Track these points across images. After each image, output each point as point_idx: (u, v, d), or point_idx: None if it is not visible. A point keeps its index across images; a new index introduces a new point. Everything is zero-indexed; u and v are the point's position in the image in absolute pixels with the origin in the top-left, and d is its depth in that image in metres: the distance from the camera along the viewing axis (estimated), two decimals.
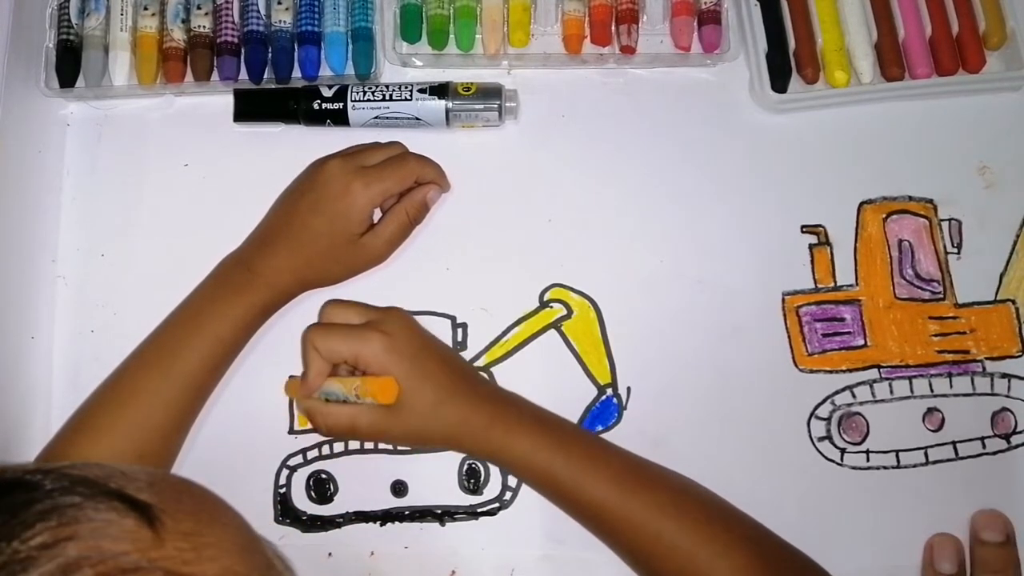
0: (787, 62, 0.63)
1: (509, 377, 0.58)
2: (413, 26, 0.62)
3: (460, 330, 0.59)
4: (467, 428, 0.52)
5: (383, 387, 0.51)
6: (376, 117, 0.60)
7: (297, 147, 0.61)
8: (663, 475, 0.54)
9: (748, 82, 0.64)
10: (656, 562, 0.51)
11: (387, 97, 0.60)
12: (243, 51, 0.62)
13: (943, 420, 0.59)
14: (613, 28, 0.63)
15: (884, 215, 0.62)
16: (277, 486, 0.57)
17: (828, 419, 0.59)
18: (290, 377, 0.55)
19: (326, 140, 0.60)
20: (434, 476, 0.58)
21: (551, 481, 0.52)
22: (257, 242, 0.57)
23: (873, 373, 0.60)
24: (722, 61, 0.63)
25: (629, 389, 0.59)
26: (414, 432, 0.52)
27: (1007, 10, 0.63)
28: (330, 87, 0.60)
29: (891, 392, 0.60)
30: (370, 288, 0.59)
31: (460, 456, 0.57)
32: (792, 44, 0.63)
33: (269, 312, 0.56)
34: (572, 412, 0.58)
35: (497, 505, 0.57)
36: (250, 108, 0.61)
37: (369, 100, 0.60)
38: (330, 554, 0.57)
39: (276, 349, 0.58)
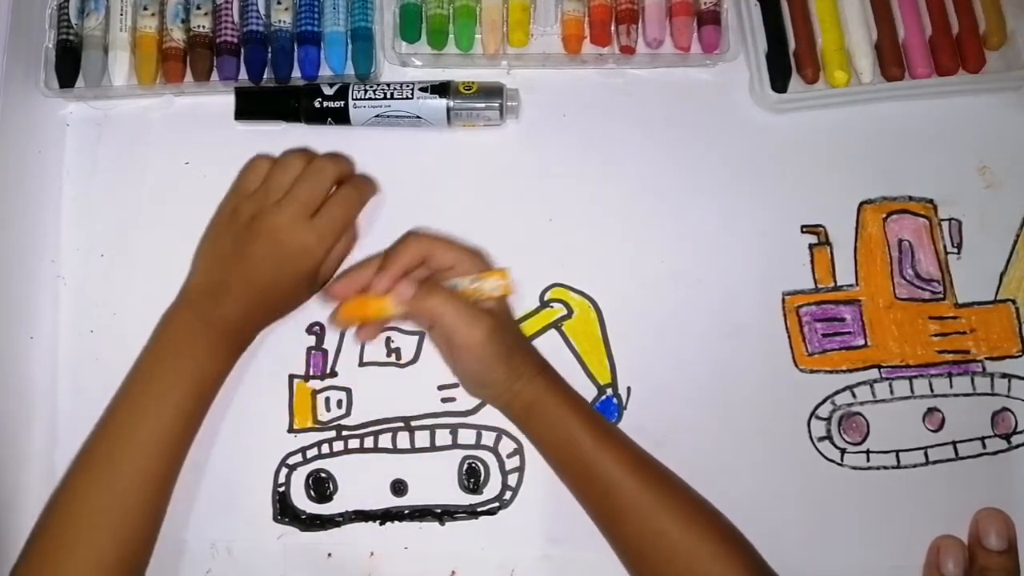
0: (787, 62, 0.63)
1: None
2: (412, 26, 0.63)
3: None
4: (523, 370, 0.54)
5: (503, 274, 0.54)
6: (377, 115, 0.60)
7: (298, 145, 0.60)
8: (677, 479, 0.55)
9: (748, 82, 0.64)
10: (652, 561, 0.52)
11: (388, 95, 0.60)
12: (243, 51, 0.62)
13: (943, 420, 0.60)
14: (613, 28, 0.63)
15: (884, 215, 0.63)
16: (276, 485, 0.58)
17: (828, 419, 0.60)
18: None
19: (327, 138, 0.61)
20: (434, 475, 0.58)
21: (574, 448, 0.53)
22: (210, 291, 0.55)
23: (873, 373, 0.61)
24: (722, 61, 0.64)
25: (629, 389, 0.59)
26: (494, 351, 0.53)
27: (1007, 10, 0.63)
28: (331, 85, 0.61)
29: (891, 392, 0.60)
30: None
31: (460, 455, 0.58)
32: (792, 44, 0.63)
33: (231, 362, 0.55)
34: None
35: (497, 505, 0.58)
36: (251, 106, 0.61)
37: (370, 99, 0.60)
38: (330, 554, 0.57)
39: (276, 348, 0.58)
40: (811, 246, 0.62)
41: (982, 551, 0.56)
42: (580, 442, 0.53)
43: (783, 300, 0.61)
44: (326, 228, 0.55)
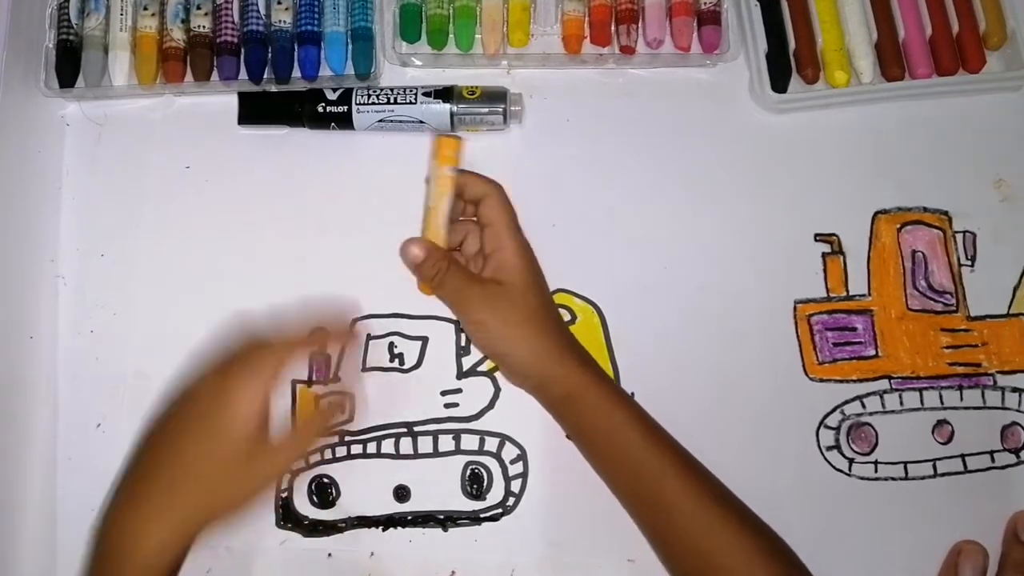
0: (787, 62, 0.71)
1: None
2: (413, 26, 0.71)
3: (463, 335, 0.68)
4: (559, 357, 0.62)
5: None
6: (380, 120, 0.69)
7: (300, 150, 0.70)
8: (729, 491, 0.62)
9: (748, 82, 0.72)
10: (693, 562, 0.60)
11: (392, 100, 0.68)
12: (243, 51, 0.70)
13: (953, 432, 0.68)
14: (613, 28, 0.72)
15: (898, 225, 0.71)
16: (279, 490, 0.66)
17: (837, 428, 0.68)
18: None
19: (330, 143, 0.70)
20: (437, 481, 0.66)
21: (620, 446, 0.61)
22: (128, 497, 0.56)
23: (883, 384, 0.69)
24: (722, 61, 0.72)
25: (632, 394, 0.66)
26: (514, 330, 0.62)
27: (1007, 10, 0.72)
28: (335, 90, 0.69)
29: (901, 403, 0.68)
30: (369, 290, 0.68)
31: (463, 461, 0.66)
32: (792, 44, 0.71)
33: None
34: None
35: (500, 511, 0.65)
36: (254, 111, 0.70)
37: (374, 103, 0.68)
38: (330, 555, 0.65)
39: None
40: (824, 255, 0.70)
41: (1018, 547, 0.64)
42: (628, 441, 0.61)
43: (795, 308, 0.69)
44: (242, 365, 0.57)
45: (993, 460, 0.69)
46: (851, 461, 0.68)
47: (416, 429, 0.68)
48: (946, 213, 0.73)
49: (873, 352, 0.70)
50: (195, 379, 0.58)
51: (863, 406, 0.69)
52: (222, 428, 0.55)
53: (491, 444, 0.68)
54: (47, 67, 0.71)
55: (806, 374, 0.70)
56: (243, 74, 0.72)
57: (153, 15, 0.71)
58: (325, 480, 0.67)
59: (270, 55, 0.72)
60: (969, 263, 0.72)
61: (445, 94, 0.70)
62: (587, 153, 0.72)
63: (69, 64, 0.71)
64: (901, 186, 0.73)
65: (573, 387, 0.62)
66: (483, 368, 0.69)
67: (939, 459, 0.68)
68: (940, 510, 0.68)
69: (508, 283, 0.62)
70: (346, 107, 0.70)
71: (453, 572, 0.66)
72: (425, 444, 0.67)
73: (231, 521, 0.57)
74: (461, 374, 0.69)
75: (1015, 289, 0.72)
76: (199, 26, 0.72)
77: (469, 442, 0.67)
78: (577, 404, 0.62)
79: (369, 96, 0.70)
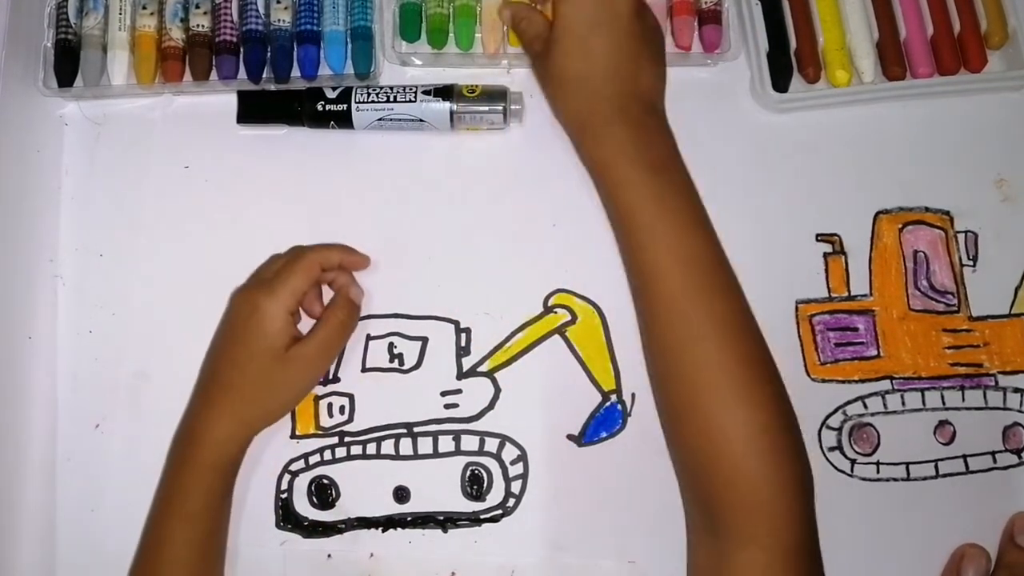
0: (788, 61, 0.72)
1: (512, 383, 0.68)
2: (412, 25, 0.72)
3: (464, 335, 0.69)
4: (598, 108, 0.63)
5: None
6: (380, 119, 0.69)
7: (300, 149, 0.71)
8: (746, 308, 0.62)
9: (749, 82, 0.73)
10: (676, 378, 0.60)
11: (391, 99, 0.69)
12: (242, 50, 0.71)
13: (954, 433, 0.69)
14: None
15: (900, 225, 0.72)
16: (279, 491, 0.66)
17: (839, 429, 0.68)
18: None
19: (329, 142, 0.71)
20: (437, 482, 0.66)
21: (629, 223, 0.62)
22: (196, 403, 0.65)
23: (885, 384, 0.69)
24: (723, 61, 0.73)
25: (634, 395, 0.68)
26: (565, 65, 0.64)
27: (1008, 9, 0.73)
28: (334, 88, 0.70)
29: (903, 404, 0.69)
30: (371, 292, 0.69)
31: (463, 462, 0.67)
32: (793, 43, 0.72)
33: (228, 468, 0.64)
34: (576, 418, 0.67)
35: (500, 512, 0.66)
36: (254, 110, 0.71)
37: (373, 102, 0.69)
38: (330, 556, 0.65)
39: None
40: (826, 255, 0.71)
41: (1013, 549, 0.65)
42: (636, 215, 0.61)
43: (796, 308, 0.70)
44: (275, 283, 0.64)
45: (995, 461, 0.70)
46: (853, 462, 0.69)
47: (416, 430, 0.68)
48: (948, 213, 0.73)
49: (875, 352, 0.71)
50: (235, 295, 0.66)
51: (865, 407, 0.70)
52: (257, 338, 0.63)
53: (491, 445, 0.68)
54: (46, 66, 0.71)
55: (808, 374, 0.70)
56: (242, 73, 0.72)
57: (152, 14, 0.72)
58: (325, 481, 0.68)
59: (269, 54, 0.72)
60: (971, 263, 0.73)
61: (445, 93, 0.71)
62: None
63: (68, 63, 0.71)
64: (903, 186, 0.73)
65: (601, 157, 0.63)
66: (483, 368, 0.69)
67: (941, 460, 0.69)
68: (942, 511, 0.68)
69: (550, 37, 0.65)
70: (345, 106, 0.70)
71: (453, 573, 0.66)
72: (425, 445, 0.68)
73: (280, 416, 0.66)
74: (461, 374, 0.69)
75: (1017, 289, 0.72)
76: (198, 25, 0.72)
77: (469, 443, 0.68)
78: (603, 175, 0.64)
79: (369, 95, 0.70)
